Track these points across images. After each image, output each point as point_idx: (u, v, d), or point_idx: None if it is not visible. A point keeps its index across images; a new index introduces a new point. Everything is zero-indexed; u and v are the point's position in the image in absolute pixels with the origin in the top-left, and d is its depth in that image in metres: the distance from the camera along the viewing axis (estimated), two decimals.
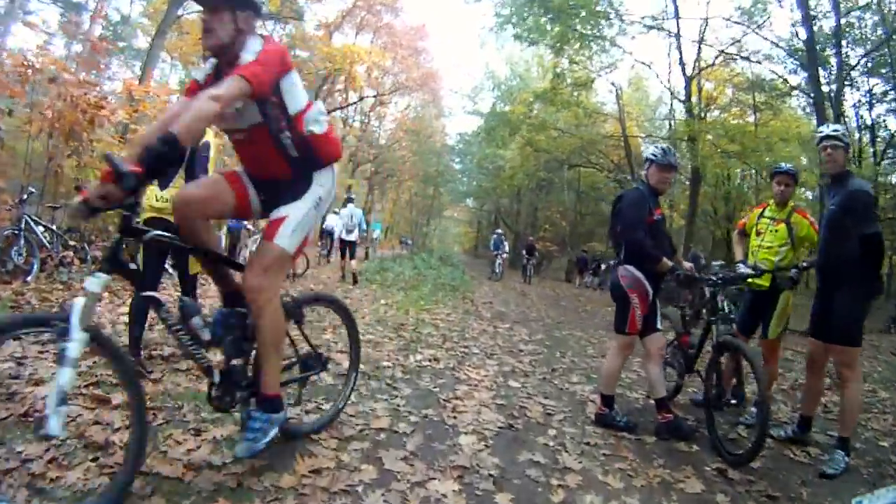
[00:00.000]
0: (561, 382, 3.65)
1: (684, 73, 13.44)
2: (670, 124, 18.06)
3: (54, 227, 5.42)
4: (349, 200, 9.63)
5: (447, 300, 7.73)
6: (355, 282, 8.46)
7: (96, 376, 2.35)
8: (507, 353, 4.46)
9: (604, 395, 2.77)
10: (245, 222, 7.95)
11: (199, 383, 2.46)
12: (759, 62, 12.64)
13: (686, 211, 15.93)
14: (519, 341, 5.17)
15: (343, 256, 8.94)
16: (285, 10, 16.40)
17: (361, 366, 2.60)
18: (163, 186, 2.69)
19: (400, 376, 3.23)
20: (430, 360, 3.75)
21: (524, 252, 17.49)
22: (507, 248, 14.90)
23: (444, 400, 2.84)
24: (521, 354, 4.51)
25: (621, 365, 2.81)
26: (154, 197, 2.69)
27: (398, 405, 2.64)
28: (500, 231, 16.14)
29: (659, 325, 2.79)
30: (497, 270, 14.52)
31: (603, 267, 17.98)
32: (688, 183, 14.95)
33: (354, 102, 22.22)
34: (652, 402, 2.85)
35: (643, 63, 14.22)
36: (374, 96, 22.26)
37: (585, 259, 18.86)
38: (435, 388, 3.07)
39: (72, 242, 5.64)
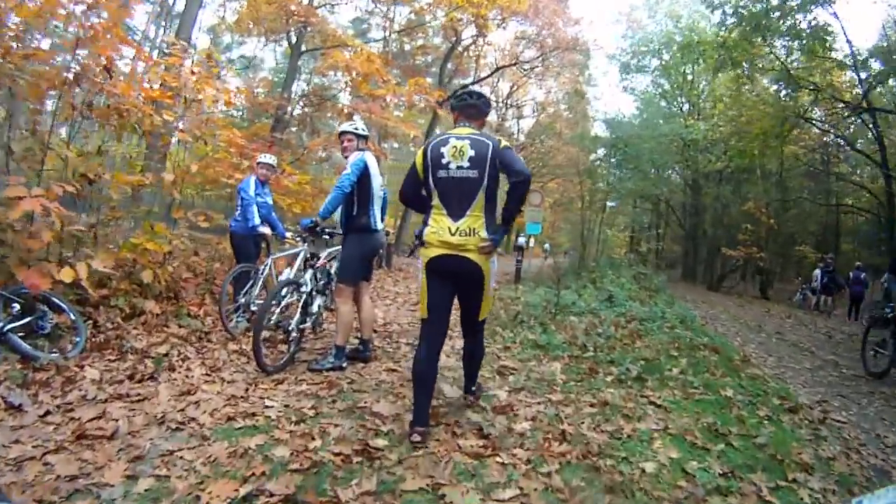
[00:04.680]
0: None
1: None
2: None
3: None
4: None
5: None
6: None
7: None
8: None
9: None
10: (285, 232, 5.01)
11: None
12: None
13: None
14: None
15: (368, 279, 3.91)
16: None
17: None
18: (456, 218, 2.14)
19: None
20: None
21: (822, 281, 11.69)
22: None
23: None
24: None
25: None
26: (448, 230, 2.14)
27: None
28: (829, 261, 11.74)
29: None
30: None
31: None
32: None
33: (490, 74, 19.50)
34: None
35: None
36: (514, 64, 19.30)
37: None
38: None
39: None
